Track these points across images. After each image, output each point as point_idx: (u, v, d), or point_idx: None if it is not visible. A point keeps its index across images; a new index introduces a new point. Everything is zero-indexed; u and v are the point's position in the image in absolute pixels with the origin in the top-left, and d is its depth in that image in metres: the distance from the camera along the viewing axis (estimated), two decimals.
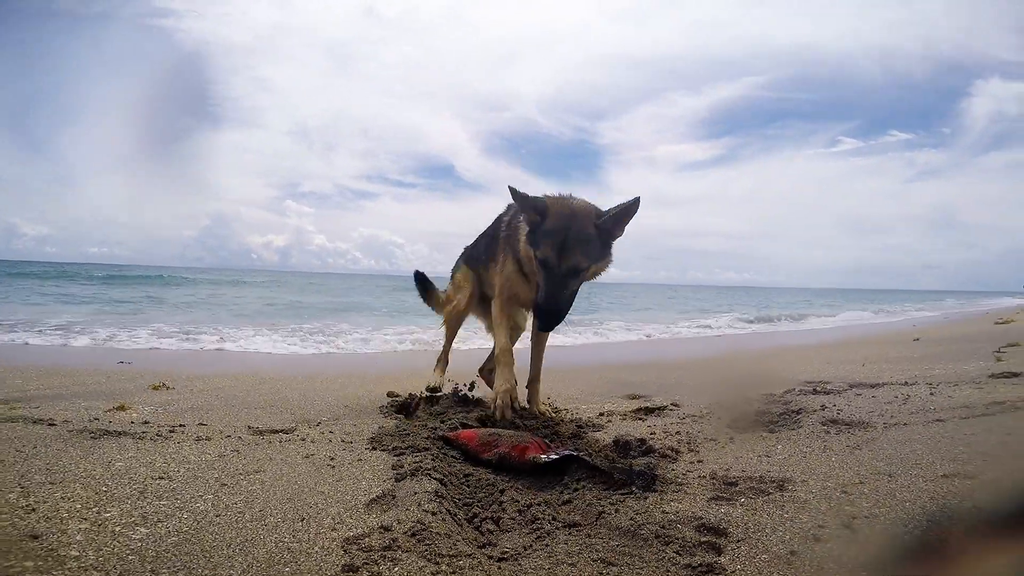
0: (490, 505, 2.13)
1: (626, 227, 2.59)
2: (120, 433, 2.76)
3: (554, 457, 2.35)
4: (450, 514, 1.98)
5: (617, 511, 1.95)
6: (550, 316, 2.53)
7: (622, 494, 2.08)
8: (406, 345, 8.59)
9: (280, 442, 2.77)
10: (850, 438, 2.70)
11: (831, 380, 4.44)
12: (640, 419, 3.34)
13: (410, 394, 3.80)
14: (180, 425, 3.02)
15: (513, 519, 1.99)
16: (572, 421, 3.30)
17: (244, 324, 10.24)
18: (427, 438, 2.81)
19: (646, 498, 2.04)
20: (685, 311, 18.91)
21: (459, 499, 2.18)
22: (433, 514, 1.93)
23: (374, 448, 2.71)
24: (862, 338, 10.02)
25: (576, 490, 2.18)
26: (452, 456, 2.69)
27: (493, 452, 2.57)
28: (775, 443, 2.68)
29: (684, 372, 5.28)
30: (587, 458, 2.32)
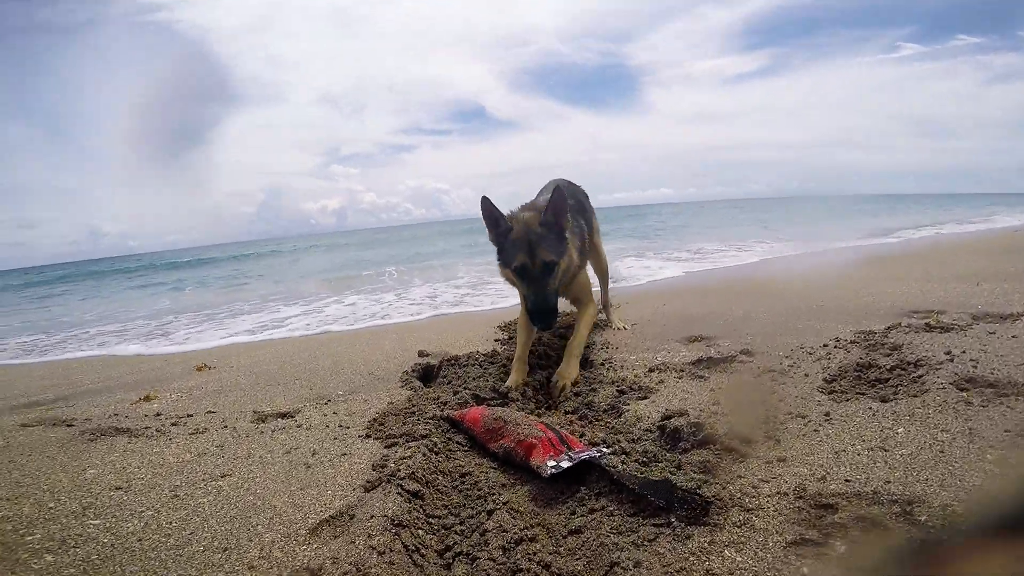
0: (473, 532, 1.50)
1: (567, 213, 2.60)
2: (123, 431, 2.47)
3: (565, 465, 1.66)
4: (408, 551, 1.38)
5: (638, 565, 1.24)
6: (544, 315, 2.45)
7: (655, 525, 1.35)
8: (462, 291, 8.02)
9: (274, 431, 2.32)
10: (1007, 413, 1.75)
11: (945, 308, 3.28)
12: (700, 377, 2.51)
13: (433, 361, 3.23)
14: (188, 415, 2.67)
15: (493, 560, 1.35)
16: (613, 382, 2.56)
17: (323, 288, 10.12)
18: (431, 419, 2.21)
19: (689, 538, 1.29)
20: (746, 230, 16.34)
21: (436, 519, 1.57)
22: (380, 553, 1.34)
23: (368, 436, 2.17)
24: (961, 246, 8.04)
25: (592, 512, 1.47)
26: (456, 444, 2.09)
27: (498, 444, 1.94)
28: (893, 423, 1.78)
29: (755, 302, 4.26)
30: (610, 466, 1.60)
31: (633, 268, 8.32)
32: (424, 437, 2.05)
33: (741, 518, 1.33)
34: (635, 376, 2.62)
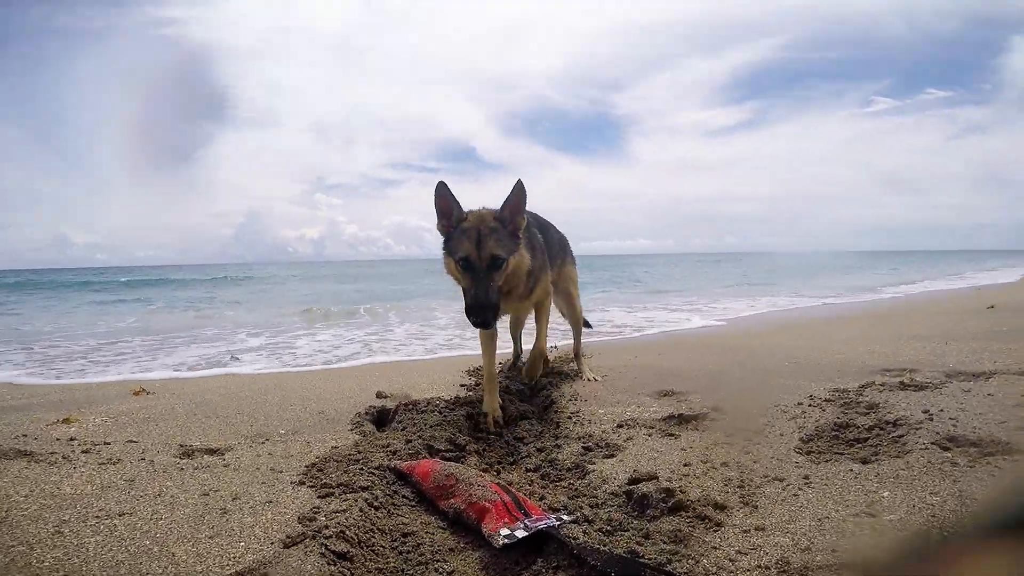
0: None
1: (524, 212, 2.40)
2: (23, 454, 2.14)
3: (519, 535, 1.42)
4: None
5: None
6: (482, 310, 2.22)
7: None
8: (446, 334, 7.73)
9: (195, 469, 2.01)
10: (995, 473, 1.61)
11: (918, 367, 3.21)
12: (671, 435, 2.31)
13: (390, 405, 2.96)
14: (106, 443, 2.33)
15: None
16: (579, 437, 2.34)
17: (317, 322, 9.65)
18: (376, 469, 1.94)
19: None
20: (727, 285, 16.58)
21: None
22: None
23: (302, 483, 1.88)
24: (927, 307, 8.24)
25: None
26: (402, 498, 1.82)
27: (449, 504, 1.68)
28: (877, 485, 1.61)
29: (727, 357, 4.14)
30: (569, 538, 1.38)
31: (611, 318, 8.21)
32: (364, 489, 1.77)
33: None
34: (603, 432, 2.41)
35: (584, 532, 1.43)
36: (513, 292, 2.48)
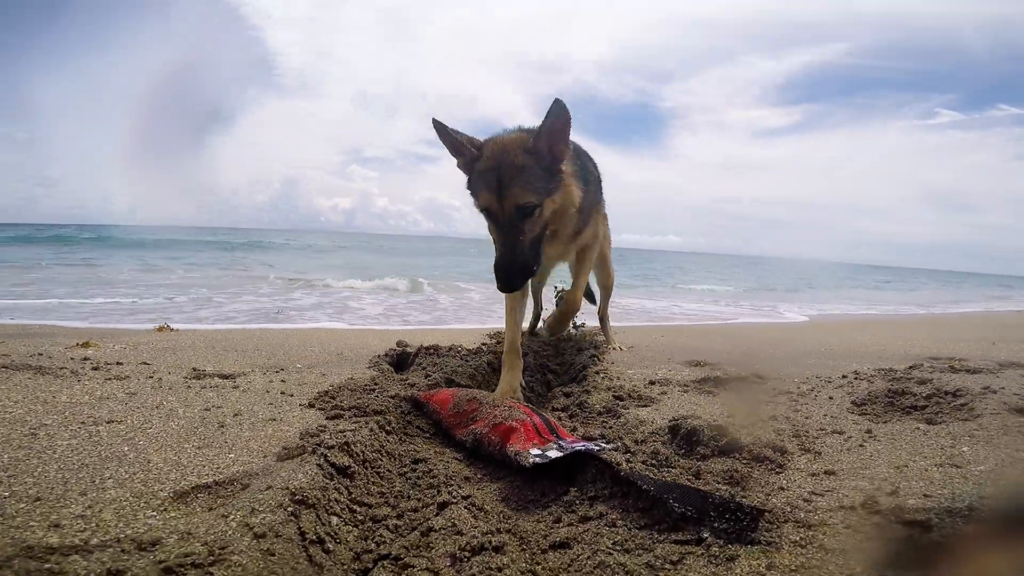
0: (412, 530, 1.02)
1: (568, 140, 1.74)
2: (34, 368, 1.99)
3: (553, 455, 1.20)
4: (305, 540, 0.91)
5: None
6: (508, 274, 1.65)
7: (678, 542, 0.89)
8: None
9: (203, 388, 1.84)
10: None
11: (967, 358, 2.88)
12: (709, 392, 2.06)
13: (410, 349, 2.77)
14: (118, 363, 2.18)
15: (435, 572, 0.87)
16: (608, 388, 2.10)
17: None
18: (392, 397, 1.75)
19: (733, 560, 0.83)
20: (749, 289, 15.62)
21: (363, 508, 1.10)
22: (258, 536, 0.87)
23: (311, 406, 1.70)
24: (968, 318, 7.69)
25: (585, 520, 1.01)
26: (417, 428, 1.62)
27: (468, 430, 1.47)
28: (952, 442, 1.35)
29: (759, 341, 3.86)
30: (612, 460, 1.15)
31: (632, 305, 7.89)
32: (378, 413, 1.58)
33: (802, 536, 0.87)
34: (633, 386, 2.16)
35: (628, 463, 1.20)
36: (558, 234, 1.92)
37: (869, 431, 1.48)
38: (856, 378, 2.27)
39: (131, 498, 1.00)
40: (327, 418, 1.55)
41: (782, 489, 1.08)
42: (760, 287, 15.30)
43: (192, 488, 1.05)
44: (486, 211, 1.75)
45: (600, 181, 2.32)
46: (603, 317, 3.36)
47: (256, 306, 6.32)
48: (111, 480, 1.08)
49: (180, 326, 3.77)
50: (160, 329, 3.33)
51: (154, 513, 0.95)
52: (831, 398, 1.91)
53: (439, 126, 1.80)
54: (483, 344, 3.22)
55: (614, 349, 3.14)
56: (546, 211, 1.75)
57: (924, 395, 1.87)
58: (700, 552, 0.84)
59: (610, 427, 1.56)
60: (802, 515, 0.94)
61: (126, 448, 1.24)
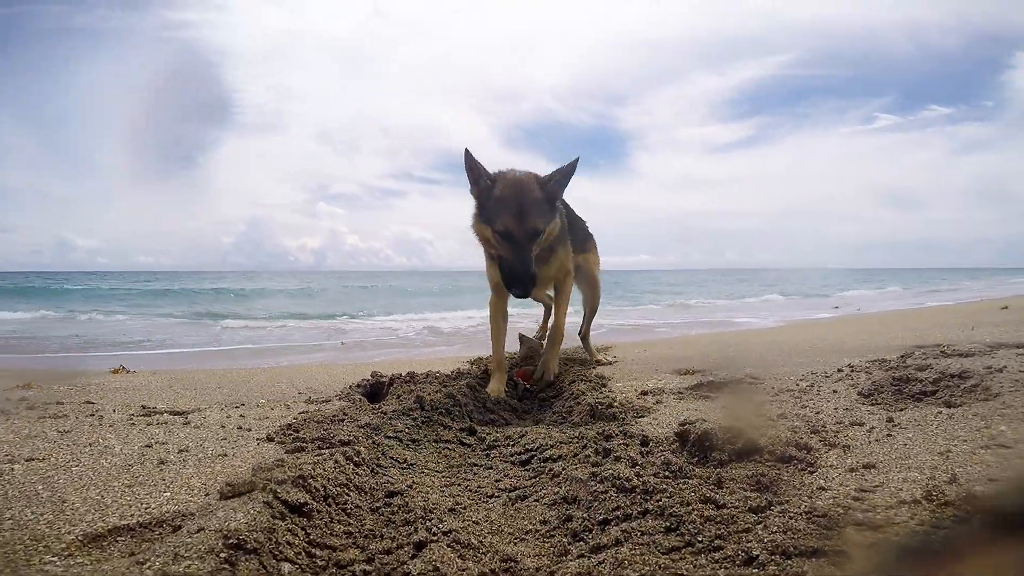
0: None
1: (565, 186, 2.17)
2: None
3: None
4: None
5: None
6: (522, 282, 2.00)
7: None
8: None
9: (149, 425, 1.56)
10: None
11: (953, 343, 2.79)
12: (705, 397, 1.88)
13: (384, 379, 2.51)
14: (58, 403, 1.88)
15: None
16: (599, 403, 1.88)
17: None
18: (363, 426, 1.50)
19: None
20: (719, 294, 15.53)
21: (323, 551, 0.86)
22: None
23: (271, 439, 1.44)
24: (935, 311, 7.73)
25: (598, 550, 0.81)
26: (391, 458, 1.38)
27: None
28: (985, 423, 1.19)
29: (743, 345, 3.73)
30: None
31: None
32: (346, 444, 1.34)
33: (870, 538, 0.68)
34: (626, 398, 1.96)
35: (638, 476, 0.99)
36: (543, 256, 2.21)
37: (891, 420, 1.31)
38: (852, 370, 2.13)
39: (28, 541, 0.75)
40: (287, 451, 1.30)
41: (823, 489, 0.89)
42: (732, 295, 15.27)
43: (111, 530, 0.82)
44: (505, 233, 2.00)
45: (587, 231, 2.86)
46: (585, 336, 3.20)
47: (222, 348, 5.92)
48: (10, 522, 0.83)
49: (139, 367, 3.41)
50: (115, 372, 2.99)
51: (54, 558, 0.72)
52: (835, 391, 1.76)
53: (469, 156, 2.08)
54: (459, 368, 2.99)
55: (599, 363, 2.97)
56: (545, 236, 2.08)
57: (930, 380, 1.73)
58: (755, 573, 0.64)
59: (609, 439, 1.35)
60: (860, 515, 0.75)
61: (40, 487, 0.99)
